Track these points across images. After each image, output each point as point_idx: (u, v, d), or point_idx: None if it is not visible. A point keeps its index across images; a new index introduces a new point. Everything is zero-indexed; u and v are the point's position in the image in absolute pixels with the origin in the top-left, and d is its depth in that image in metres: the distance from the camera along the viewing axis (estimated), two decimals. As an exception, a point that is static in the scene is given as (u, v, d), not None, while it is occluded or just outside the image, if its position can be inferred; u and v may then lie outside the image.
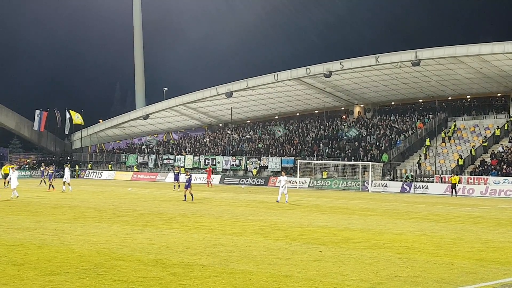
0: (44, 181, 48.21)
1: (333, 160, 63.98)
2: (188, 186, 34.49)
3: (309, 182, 61.15)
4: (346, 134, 69.80)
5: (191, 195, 34.42)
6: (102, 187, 51.74)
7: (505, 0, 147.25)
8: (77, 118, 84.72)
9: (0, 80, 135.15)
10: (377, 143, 66.14)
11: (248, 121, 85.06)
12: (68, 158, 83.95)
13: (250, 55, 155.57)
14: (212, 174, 70.20)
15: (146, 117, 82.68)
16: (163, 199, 36.07)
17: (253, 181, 64.54)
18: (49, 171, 44.89)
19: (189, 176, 35.03)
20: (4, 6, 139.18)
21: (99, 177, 77.04)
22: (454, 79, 62.98)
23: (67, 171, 43.53)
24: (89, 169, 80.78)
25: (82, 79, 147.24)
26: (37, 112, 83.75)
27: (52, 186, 42.56)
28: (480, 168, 55.44)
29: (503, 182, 51.72)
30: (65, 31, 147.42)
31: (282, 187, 34.70)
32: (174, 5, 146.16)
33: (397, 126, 68.90)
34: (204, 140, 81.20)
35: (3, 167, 48.26)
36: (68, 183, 42.59)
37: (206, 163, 72.47)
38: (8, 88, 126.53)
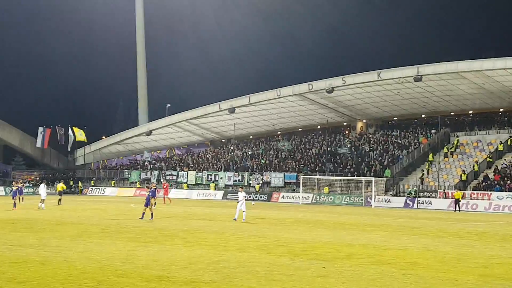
0: (20, 199, 44.71)
1: (336, 176, 63.92)
2: (148, 203, 31.41)
3: (312, 197, 61.05)
4: (341, 149, 70.06)
5: (151, 213, 31.51)
6: (105, 203, 51.71)
7: (507, 16, 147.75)
8: (80, 135, 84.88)
9: (3, 97, 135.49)
10: (380, 159, 66.08)
11: (251, 137, 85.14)
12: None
13: (253, 71, 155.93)
14: (215, 189, 70.21)
15: (149, 133, 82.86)
16: (166, 215, 36.01)
17: (256, 197, 64.45)
18: (13, 188, 42.91)
19: (149, 193, 32.15)
20: (5, 25, 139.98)
21: (102, 193, 77.03)
22: (457, 94, 63.03)
23: (42, 187, 41.83)
24: (92, 186, 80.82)
25: (85, 96, 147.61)
26: (40, 129, 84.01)
27: (15, 204, 39.79)
28: (484, 184, 55.33)
29: (507, 197, 51.57)
30: (68, 49, 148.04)
31: (239, 203, 32.07)
32: (176, 23, 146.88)
33: (400, 142, 68.88)
34: (207, 156, 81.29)
35: (58, 185, 46.69)
36: (42, 200, 40.38)
37: (209, 179, 72.49)
38: (11, 106, 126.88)
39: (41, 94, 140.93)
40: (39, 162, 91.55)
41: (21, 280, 13.19)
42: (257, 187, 67.30)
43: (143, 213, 31.52)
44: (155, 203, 44.41)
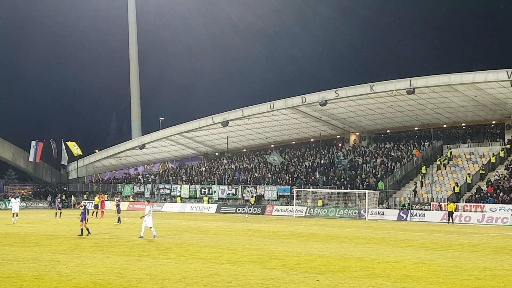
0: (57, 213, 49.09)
1: (329, 188, 63.92)
2: (83, 218, 29.55)
3: (306, 210, 61.00)
4: (340, 163, 69.89)
5: (87, 229, 29.82)
6: (98, 217, 51.42)
7: (498, 29, 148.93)
8: (76, 150, 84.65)
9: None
10: (373, 171, 66.18)
11: (244, 150, 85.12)
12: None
13: (246, 84, 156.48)
14: (208, 203, 69.96)
15: (142, 146, 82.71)
16: (159, 229, 35.86)
17: (250, 210, 64.36)
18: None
19: (83, 207, 30.17)
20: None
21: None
22: (449, 107, 63.29)
23: (14, 202, 42.46)
24: (85, 199, 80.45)
25: (78, 109, 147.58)
26: (33, 143, 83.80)
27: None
28: (477, 196, 55.44)
29: (500, 209, 51.68)
30: (61, 62, 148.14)
31: (145, 218, 28.82)
32: (169, 35, 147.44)
33: (393, 154, 69.00)
34: (201, 169, 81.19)
35: (95, 198, 48.06)
36: (14, 214, 41.17)
37: (203, 192, 72.37)
38: (3, 119, 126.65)
39: (33, 108, 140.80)
40: (32, 176, 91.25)
41: (13, 295, 13.11)
42: (252, 200, 67.26)
43: (81, 229, 29.85)
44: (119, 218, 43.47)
